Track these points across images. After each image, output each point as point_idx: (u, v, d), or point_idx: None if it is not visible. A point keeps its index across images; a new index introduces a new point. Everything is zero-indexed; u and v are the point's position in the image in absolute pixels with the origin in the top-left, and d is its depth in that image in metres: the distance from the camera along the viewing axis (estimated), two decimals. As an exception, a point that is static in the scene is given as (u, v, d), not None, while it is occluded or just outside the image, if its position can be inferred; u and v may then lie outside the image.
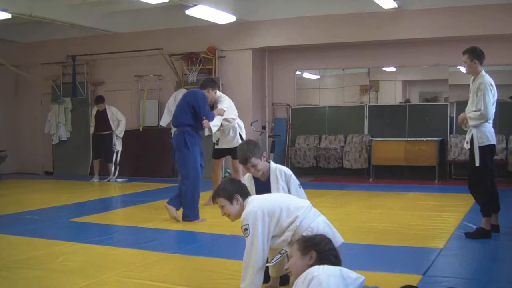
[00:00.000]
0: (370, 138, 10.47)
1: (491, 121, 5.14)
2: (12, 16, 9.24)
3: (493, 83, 5.09)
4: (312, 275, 2.51)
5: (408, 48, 10.22)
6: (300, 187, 3.79)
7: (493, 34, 9.38)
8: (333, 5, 10.04)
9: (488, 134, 5.08)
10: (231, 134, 7.06)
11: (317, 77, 11.94)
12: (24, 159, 12.93)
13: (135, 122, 11.98)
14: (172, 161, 11.45)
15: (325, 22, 10.39)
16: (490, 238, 4.99)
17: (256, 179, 3.78)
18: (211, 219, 6.27)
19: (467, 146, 5.17)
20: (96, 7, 10.23)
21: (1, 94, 12.69)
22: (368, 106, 10.87)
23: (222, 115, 6.60)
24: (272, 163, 3.82)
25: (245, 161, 3.71)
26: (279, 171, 3.75)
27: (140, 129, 11.77)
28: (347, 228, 5.70)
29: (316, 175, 11.00)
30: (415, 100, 10.97)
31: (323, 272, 2.50)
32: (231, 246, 4.91)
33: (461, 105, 10.10)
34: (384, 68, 11.10)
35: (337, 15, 10.27)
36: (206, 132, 10.97)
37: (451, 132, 10.14)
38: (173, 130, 6.50)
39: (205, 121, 6.12)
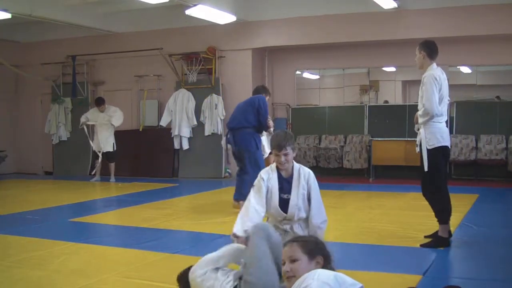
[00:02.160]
0: (370, 138, 10.47)
1: (442, 120, 4.79)
2: (12, 16, 9.24)
3: (439, 76, 4.70)
4: (307, 283, 2.42)
5: (408, 48, 10.10)
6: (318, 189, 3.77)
7: (493, 34, 9.38)
8: (333, 5, 10.03)
9: (439, 135, 4.73)
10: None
11: (317, 77, 11.93)
12: (24, 159, 12.93)
13: (135, 122, 11.98)
14: (172, 161, 11.49)
15: (325, 22, 10.38)
16: (448, 247, 4.68)
17: (279, 176, 3.74)
18: (212, 219, 6.28)
19: (417, 149, 4.81)
20: (96, 7, 10.22)
21: (1, 94, 12.69)
22: (368, 106, 10.87)
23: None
24: (295, 162, 3.82)
25: (280, 148, 3.67)
26: (302, 170, 3.74)
27: (140, 129, 11.77)
28: (347, 228, 5.71)
29: (316, 175, 10.96)
30: (414, 100, 10.97)
31: (317, 279, 2.40)
32: (231, 246, 4.91)
33: (461, 105, 10.16)
34: (384, 68, 11.10)
35: (337, 15, 10.27)
36: (206, 132, 11.05)
37: (450, 132, 10.12)
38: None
39: (271, 122, 6.66)
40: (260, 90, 6.97)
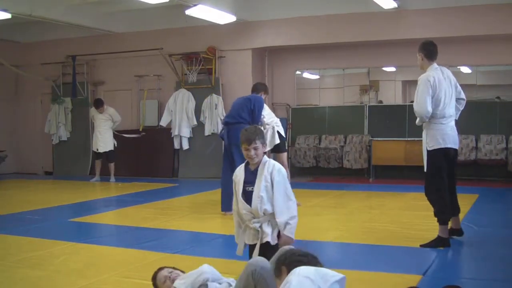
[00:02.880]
0: (370, 138, 10.47)
1: (445, 121, 4.73)
2: (12, 16, 9.24)
3: (433, 78, 4.64)
4: (287, 280, 2.46)
5: (408, 48, 10.15)
6: (287, 182, 3.73)
7: (493, 34, 9.38)
8: (333, 5, 10.03)
9: (439, 136, 4.69)
10: (269, 134, 7.15)
11: (317, 77, 11.94)
12: (24, 159, 12.93)
13: (135, 122, 11.97)
14: (172, 161, 11.48)
15: (325, 22, 10.38)
16: (449, 247, 4.65)
17: (246, 169, 3.79)
18: (212, 219, 6.27)
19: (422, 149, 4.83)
20: (96, 7, 10.22)
21: (1, 94, 12.69)
22: (368, 106, 10.87)
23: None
24: (266, 157, 3.83)
25: (249, 141, 3.71)
26: (268, 163, 3.74)
27: (140, 129, 11.76)
28: (347, 228, 5.71)
29: (316, 175, 10.99)
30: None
31: (298, 274, 2.45)
32: (231, 246, 4.90)
33: (461, 105, 10.14)
34: (384, 68, 11.10)
35: (337, 15, 10.27)
36: (206, 132, 11.05)
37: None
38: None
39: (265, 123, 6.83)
40: (258, 88, 7.02)
